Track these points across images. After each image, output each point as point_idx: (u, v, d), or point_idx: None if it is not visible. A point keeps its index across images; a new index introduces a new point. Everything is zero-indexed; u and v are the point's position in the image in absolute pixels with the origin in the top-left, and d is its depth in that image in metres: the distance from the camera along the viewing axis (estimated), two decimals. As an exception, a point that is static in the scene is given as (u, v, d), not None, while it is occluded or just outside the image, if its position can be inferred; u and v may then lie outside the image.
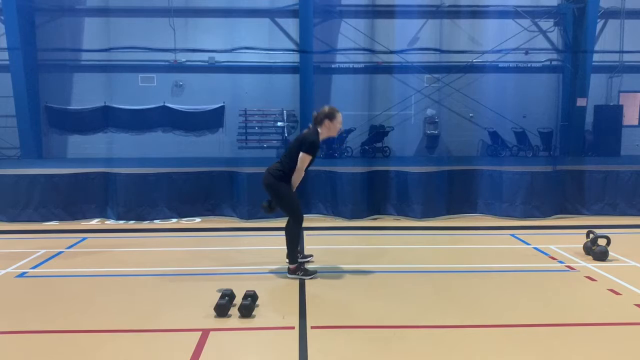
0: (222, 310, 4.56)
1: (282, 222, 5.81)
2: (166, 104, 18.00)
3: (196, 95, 17.99)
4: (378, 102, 18.04)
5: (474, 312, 4.72)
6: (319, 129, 5.62)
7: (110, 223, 8.83)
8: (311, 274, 5.69)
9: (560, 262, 6.38)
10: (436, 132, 18.32)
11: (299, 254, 5.88)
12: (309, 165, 5.63)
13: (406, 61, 17.79)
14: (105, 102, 17.75)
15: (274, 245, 7.11)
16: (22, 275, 5.93)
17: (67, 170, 9.42)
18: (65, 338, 4.23)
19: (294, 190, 5.63)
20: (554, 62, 18.48)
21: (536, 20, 18.10)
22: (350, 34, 18.00)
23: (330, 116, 5.58)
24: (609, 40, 18.15)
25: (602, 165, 10.01)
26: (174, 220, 8.96)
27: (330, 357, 3.87)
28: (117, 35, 17.47)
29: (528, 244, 7.33)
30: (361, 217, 8.95)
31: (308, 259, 6.17)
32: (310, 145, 5.48)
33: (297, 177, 5.58)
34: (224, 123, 18.32)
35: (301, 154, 5.48)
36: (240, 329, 4.36)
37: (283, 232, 5.76)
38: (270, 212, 5.70)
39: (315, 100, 17.17)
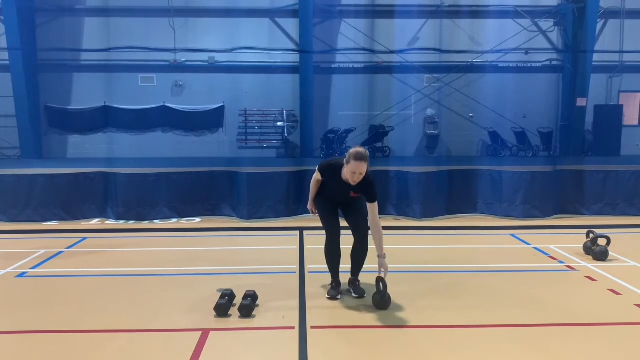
0: (222, 310, 4.56)
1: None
2: (166, 104, 17.98)
3: (196, 95, 17.97)
4: (378, 102, 18.01)
5: (473, 312, 4.72)
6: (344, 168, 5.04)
7: (110, 223, 8.83)
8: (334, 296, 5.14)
9: (560, 262, 6.39)
10: (436, 132, 18.30)
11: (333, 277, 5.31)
12: (326, 189, 5.21)
13: (406, 61, 17.77)
14: (105, 102, 17.72)
15: (274, 245, 7.13)
16: (22, 275, 5.93)
17: (67, 170, 9.40)
18: (65, 338, 4.23)
19: (313, 200, 5.31)
20: (554, 62, 18.47)
21: (536, 20, 18.08)
22: (350, 34, 17.98)
23: (347, 159, 4.87)
24: (609, 40, 18.13)
25: (602, 165, 10.00)
26: (174, 220, 8.96)
27: (330, 357, 3.87)
28: (117, 35, 17.44)
29: (528, 244, 7.33)
30: (361, 217, 8.94)
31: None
32: (319, 165, 5.21)
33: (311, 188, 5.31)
34: (223, 123, 18.30)
35: None
36: (240, 329, 4.36)
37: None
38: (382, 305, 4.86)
39: (315, 100, 17.21)
